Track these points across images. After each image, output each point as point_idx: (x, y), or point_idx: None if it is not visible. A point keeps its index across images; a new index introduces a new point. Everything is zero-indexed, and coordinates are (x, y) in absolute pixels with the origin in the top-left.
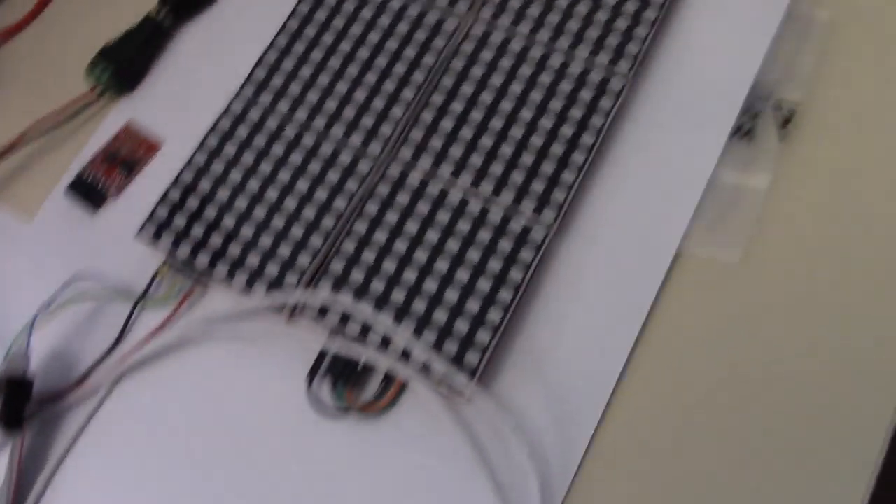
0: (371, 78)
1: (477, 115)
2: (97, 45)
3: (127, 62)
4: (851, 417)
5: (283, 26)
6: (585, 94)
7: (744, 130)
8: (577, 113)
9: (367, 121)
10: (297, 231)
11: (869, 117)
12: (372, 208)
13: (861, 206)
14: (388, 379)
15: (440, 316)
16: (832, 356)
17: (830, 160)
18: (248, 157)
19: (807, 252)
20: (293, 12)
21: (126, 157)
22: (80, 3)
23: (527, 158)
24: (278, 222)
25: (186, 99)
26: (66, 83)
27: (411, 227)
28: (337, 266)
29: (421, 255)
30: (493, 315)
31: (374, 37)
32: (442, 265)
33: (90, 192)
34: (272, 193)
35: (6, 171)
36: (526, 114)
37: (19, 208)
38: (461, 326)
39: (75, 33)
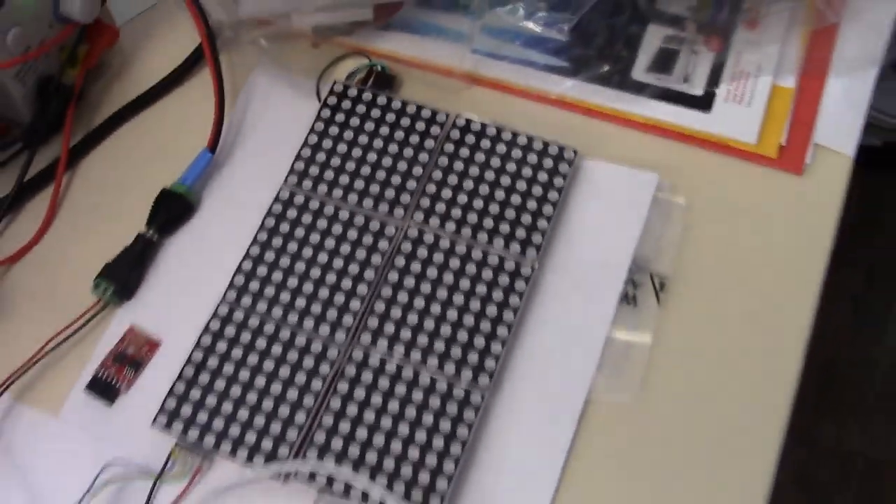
0: (331, 277)
1: (419, 303)
2: (97, 259)
3: (125, 276)
4: None
5: (255, 238)
6: (503, 279)
7: (629, 297)
8: (498, 295)
9: (332, 314)
10: (284, 410)
11: (723, 280)
12: (343, 386)
13: (725, 351)
14: None
15: (406, 471)
16: (712, 475)
17: (697, 317)
18: (237, 352)
19: (687, 390)
20: (261, 226)
21: (132, 356)
22: (77, 226)
23: (462, 335)
24: (268, 404)
25: (178, 300)
26: (76, 294)
27: (376, 399)
28: (319, 437)
29: (386, 422)
30: (448, 466)
31: (330, 242)
32: (403, 428)
33: (105, 388)
34: (260, 380)
35: (31, 376)
36: (458, 298)
37: (45, 407)
38: (424, 477)
39: (76, 253)
